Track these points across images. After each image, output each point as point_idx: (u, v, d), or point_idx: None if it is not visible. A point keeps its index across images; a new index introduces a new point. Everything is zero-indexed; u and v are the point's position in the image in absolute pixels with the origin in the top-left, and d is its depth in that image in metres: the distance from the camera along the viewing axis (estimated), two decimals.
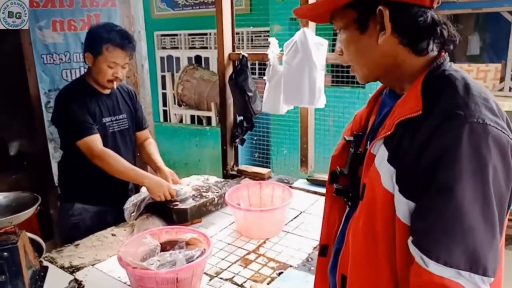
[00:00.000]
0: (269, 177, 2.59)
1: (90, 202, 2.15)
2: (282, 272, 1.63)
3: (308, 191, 2.41)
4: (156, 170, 2.22)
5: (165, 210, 2.02)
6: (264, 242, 1.88)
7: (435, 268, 0.73)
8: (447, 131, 0.74)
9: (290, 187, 2.34)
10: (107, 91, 2.13)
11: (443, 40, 0.87)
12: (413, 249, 0.77)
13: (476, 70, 4.44)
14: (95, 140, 1.98)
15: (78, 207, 2.13)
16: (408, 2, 0.83)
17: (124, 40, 2.00)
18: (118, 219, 2.08)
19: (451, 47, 0.89)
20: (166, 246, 1.54)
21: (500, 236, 0.76)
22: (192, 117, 6.08)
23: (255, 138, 3.82)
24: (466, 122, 0.74)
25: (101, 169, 1.99)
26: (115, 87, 2.09)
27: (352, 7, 0.87)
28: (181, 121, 6.20)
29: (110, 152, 2.00)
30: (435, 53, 0.89)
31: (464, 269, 0.71)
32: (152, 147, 2.31)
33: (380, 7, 0.83)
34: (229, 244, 1.88)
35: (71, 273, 1.64)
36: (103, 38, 1.97)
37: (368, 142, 0.95)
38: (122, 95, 2.23)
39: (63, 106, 2.03)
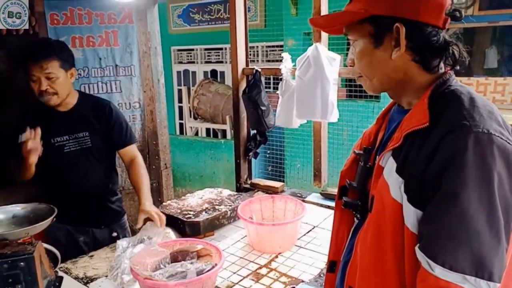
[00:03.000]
0: (282, 191, 2.59)
1: (62, 220, 1.95)
2: (294, 287, 1.62)
3: (321, 205, 2.39)
4: (139, 209, 1.93)
5: (178, 223, 2.04)
6: (276, 257, 1.87)
7: (441, 272, 0.74)
8: (453, 141, 0.77)
9: (303, 201, 2.33)
10: (63, 108, 2.01)
11: (454, 59, 0.91)
12: (419, 254, 0.79)
13: (493, 83, 4.38)
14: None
15: (51, 225, 1.96)
16: (423, 21, 0.86)
17: (37, 52, 1.88)
18: (93, 243, 2.08)
19: (460, 66, 0.92)
20: (178, 256, 1.55)
21: (507, 244, 0.77)
22: (208, 130, 6.15)
23: (269, 151, 3.83)
24: (472, 132, 0.76)
25: (63, 183, 2.01)
26: (52, 102, 1.94)
27: (369, 21, 0.90)
28: (196, 134, 6.26)
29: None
30: (442, 70, 0.92)
31: (470, 274, 0.73)
32: (137, 173, 2.05)
33: (397, 24, 0.86)
34: (241, 257, 1.88)
35: (85, 283, 1.67)
36: (22, 56, 1.93)
37: (377, 156, 0.97)
38: (91, 112, 2.07)
39: (18, 124, 1.99)
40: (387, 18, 0.88)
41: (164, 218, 1.89)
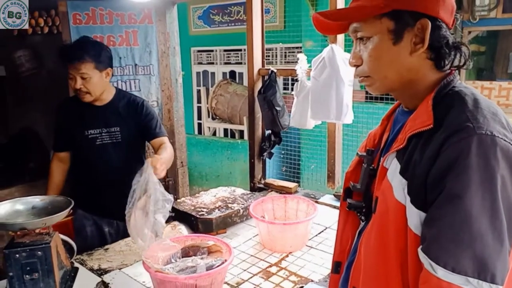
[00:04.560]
0: (296, 192, 2.59)
1: (89, 210, 2.17)
2: (302, 287, 1.63)
3: (334, 206, 2.38)
4: None
5: (191, 219, 2.07)
6: (287, 256, 1.88)
7: (443, 274, 0.74)
8: (456, 143, 0.76)
9: (316, 202, 2.34)
10: (99, 103, 2.14)
11: (466, 58, 0.90)
12: (422, 256, 0.79)
13: None
14: (55, 157, 2.23)
15: (79, 213, 2.16)
16: (442, 19, 0.87)
17: (70, 52, 2.03)
18: (116, 235, 2.16)
19: (468, 67, 0.92)
20: (189, 252, 1.58)
21: (510, 246, 0.76)
22: (225, 130, 6.20)
23: (283, 152, 3.84)
24: (475, 134, 0.76)
25: (93, 172, 2.14)
26: (86, 99, 2.08)
27: (388, 16, 0.87)
28: (214, 134, 6.32)
29: (50, 170, 2.21)
30: (448, 71, 0.91)
31: (472, 276, 0.73)
32: (162, 150, 2.13)
33: (422, 19, 0.85)
34: (252, 255, 1.90)
35: (99, 275, 1.72)
36: (61, 56, 2.06)
37: (381, 158, 0.97)
38: (125, 108, 2.20)
39: (55, 117, 2.24)
40: (409, 13, 0.86)
41: (159, 165, 1.77)
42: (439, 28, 0.86)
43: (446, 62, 0.89)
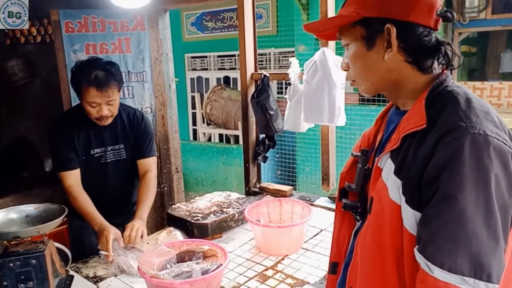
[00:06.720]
0: (291, 195, 2.60)
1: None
2: None
3: (329, 209, 2.39)
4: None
5: (187, 225, 2.07)
6: (283, 259, 1.88)
7: (439, 274, 0.75)
8: (450, 142, 0.77)
9: (311, 204, 2.34)
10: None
11: (447, 59, 0.91)
12: (418, 256, 0.79)
13: (508, 87, 4.31)
14: (67, 175, 2.00)
15: (76, 223, 2.10)
16: (414, 22, 0.87)
17: (100, 80, 1.87)
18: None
19: (455, 66, 0.93)
20: (184, 257, 1.59)
21: (505, 244, 0.77)
22: (221, 135, 6.21)
23: (277, 156, 3.86)
24: (468, 133, 0.76)
25: (92, 189, 2.04)
26: (107, 122, 1.99)
27: (360, 24, 0.91)
28: (209, 139, 6.32)
29: (74, 189, 1.99)
30: (438, 71, 0.92)
31: (468, 275, 0.73)
32: (144, 188, 2.09)
33: (388, 25, 0.87)
34: (247, 259, 1.90)
35: (95, 283, 1.71)
36: (79, 79, 1.89)
37: (375, 158, 0.98)
38: (127, 123, 2.12)
39: (50, 136, 2.05)
40: (378, 20, 0.89)
41: (134, 238, 1.84)
42: (411, 31, 0.87)
43: (427, 65, 0.90)
